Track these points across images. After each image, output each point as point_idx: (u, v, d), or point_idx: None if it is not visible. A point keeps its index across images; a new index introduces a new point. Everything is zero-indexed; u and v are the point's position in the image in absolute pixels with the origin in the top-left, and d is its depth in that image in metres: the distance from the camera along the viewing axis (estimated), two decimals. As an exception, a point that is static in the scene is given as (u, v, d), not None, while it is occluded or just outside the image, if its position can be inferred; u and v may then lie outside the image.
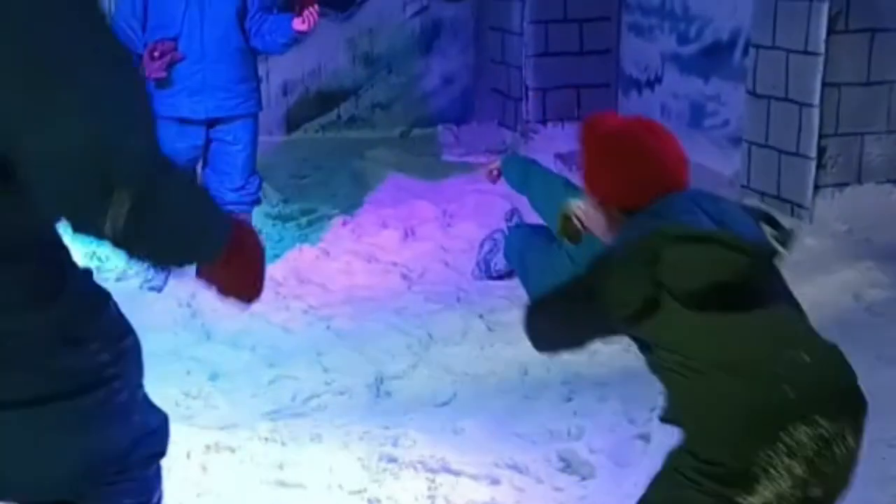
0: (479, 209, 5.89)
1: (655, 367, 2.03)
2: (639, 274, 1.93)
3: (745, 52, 5.81)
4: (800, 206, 4.63)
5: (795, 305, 2.07)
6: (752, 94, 4.96)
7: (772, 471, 1.90)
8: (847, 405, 2.00)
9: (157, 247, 1.51)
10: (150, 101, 1.51)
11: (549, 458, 3.15)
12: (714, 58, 6.06)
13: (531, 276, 4.12)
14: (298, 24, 4.55)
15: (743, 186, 5.07)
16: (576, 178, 6.04)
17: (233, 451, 3.25)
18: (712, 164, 6.03)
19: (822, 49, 4.45)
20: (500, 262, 4.89)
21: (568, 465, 3.14)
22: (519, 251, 4.63)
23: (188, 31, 4.47)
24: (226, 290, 1.74)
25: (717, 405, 1.93)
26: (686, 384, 1.95)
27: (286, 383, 3.84)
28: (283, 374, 3.90)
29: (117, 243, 1.43)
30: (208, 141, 4.70)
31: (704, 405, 1.95)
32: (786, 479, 1.90)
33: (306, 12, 4.52)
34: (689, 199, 2.10)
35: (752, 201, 4.95)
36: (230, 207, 4.73)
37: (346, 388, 3.77)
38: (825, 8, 4.40)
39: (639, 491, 2.92)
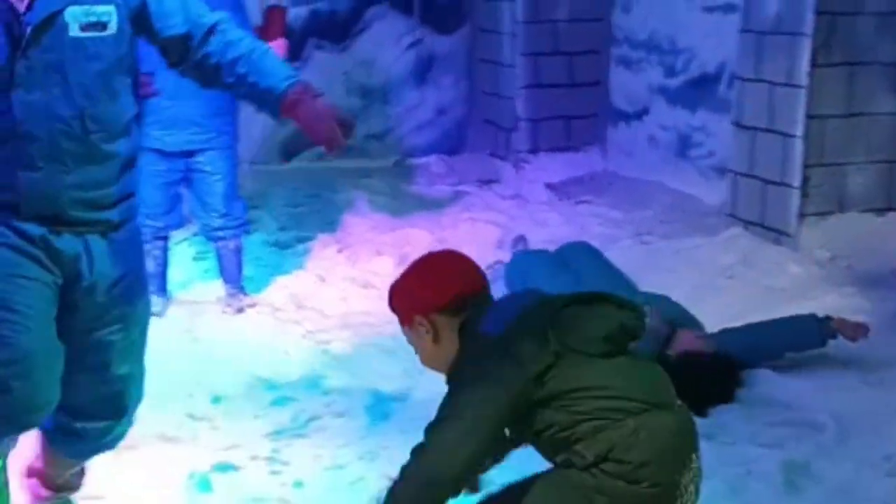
0: (473, 236, 6.01)
1: (563, 436, 2.22)
2: (531, 346, 2.21)
3: (731, 84, 5.98)
4: (785, 233, 4.76)
5: None
6: (738, 125, 5.11)
7: (684, 490, 2.19)
8: None
9: None
10: None
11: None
12: (700, 90, 6.22)
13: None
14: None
15: (728, 215, 5.20)
16: (564, 210, 6.03)
17: (237, 470, 3.35)
18: (699, 193, 6.19)
19: (804, 82, 4.60)
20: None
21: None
22: (522, 279, 4.78)
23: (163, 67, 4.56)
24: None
25: (652, 437, 2.14)
26: (617, 426, 2.15)
27: (287, 405, 3.94)
28: (284, 396, 4.01)
29: None
30: (189, 170, 4.79)
31: (639, 438, 2.14)
32: (689, 498, 2.19)
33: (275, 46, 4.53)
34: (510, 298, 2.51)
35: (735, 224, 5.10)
36: (219, 234, 4.86)
37: (346, 410, 3.87)
38: (808, 42, 4.55)
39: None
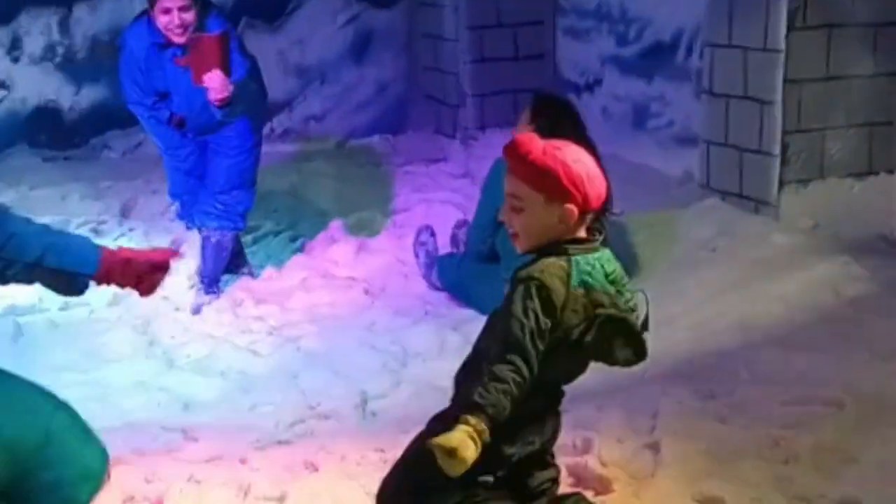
0: (429, 219, 5.76)
1: None
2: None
3: (689, 52, 5.83)
4: (765, 202, 4.62)
5: None
6: (709, 93, 4.95)
7: None
8: None
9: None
10: None
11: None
12: (656, 59, 6.05)
13: (481, 302, 4.21)
14: (211, 95, 4.37)
15: (702, 186, 5.05)
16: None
17: (225, 485, 3.07)
18: (658, 164, 6.03)
19: (782, 46, 4.45)
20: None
21: (579, 479, 3.04)
22: (456, 280, 4.63)
23: (175, 87, 4.58)
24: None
25: None
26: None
27: (266, 410, 3.66)
28: (262, 401, 3.73)
29: None
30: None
31: None
32: None
33: (207, 79, 4.32)
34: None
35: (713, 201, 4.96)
36: (213, 224, 4.68)
37: (332, 412, 3.61)
38: (784, 5, 4.40)
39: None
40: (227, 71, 4.34)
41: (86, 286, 2.56)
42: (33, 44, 6.59)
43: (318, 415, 3.60)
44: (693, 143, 5.75)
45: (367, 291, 4.86)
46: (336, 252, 5.33)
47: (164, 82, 4.60)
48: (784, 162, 4.56)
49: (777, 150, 4.54)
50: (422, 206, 5.99)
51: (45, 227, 2.53)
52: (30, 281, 2.51)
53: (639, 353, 2.37)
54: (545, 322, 2.23)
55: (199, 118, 4.60)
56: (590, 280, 2.27)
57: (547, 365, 2.27)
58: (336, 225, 5.65)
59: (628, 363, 2.39)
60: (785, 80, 4.49)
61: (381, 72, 7.43)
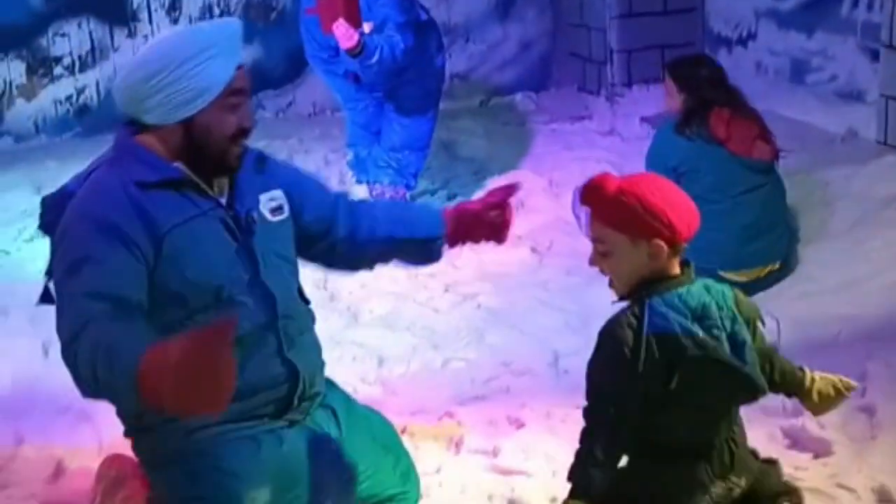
0: (584, 178, 5.72)
1: None
2: None
3: (855, 4, 5.64)
4: (954, 159, 4.48)
5: None
6: (889, 46, 4.79)
7: None
8: None
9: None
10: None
11: (774, 436, 3.02)
12: (817, 11, 5.88)
13: None
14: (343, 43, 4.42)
15: (879, 143, 4.90)
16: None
17: (435, 438, 3.12)
18: (818, 121, 5.86)
19: (974, -4, 4.29)
20: None
21: (795, 441, 3.01)
22: None
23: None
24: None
25: None
26: None
27: (459, 366, 3.71)
28: (453, 357, 3.77)
29: None
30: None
31: None
32: None
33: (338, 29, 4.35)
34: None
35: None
36: (387, 180, 4.77)
37: (526, 369, 3.64)
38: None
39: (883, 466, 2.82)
40: (356, 21, 4.35)
41: (440, 251, 2.55)
42: (192, 5, 6.71)
43: (513, 371, 3.63)
44: (858, 99, 5.59)
45: (533, 250, 4.86)
46: (495, 210, 5.34)
47: None
48: (974, 117, 4.41)
49: (966, 104, 4.39)
50: (576, 165, 5.95)
51: (385, 203, 2.57)
52: (387, 259, 2.55)
53: (748, 387, 2.14)
54: (624, 373, 2.09)
55: (367, 73, 4.62)
56: (666, 325, 2.09)
57: (653, 418, 2.12)
58: (493, 184, 5.65)
59: (738, 402, 2.20)
60: (975, 32, 4.32)
61: (525, 29, 7.39)
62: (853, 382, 2.31)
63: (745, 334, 2.15)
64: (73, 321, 1.97)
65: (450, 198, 5.64)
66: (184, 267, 2.15)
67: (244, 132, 2.24)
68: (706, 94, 4.21)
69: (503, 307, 4.20)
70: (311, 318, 2.43)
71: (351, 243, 2.48)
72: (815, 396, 2.29)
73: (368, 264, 2.60)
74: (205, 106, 2.16)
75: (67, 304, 2.03)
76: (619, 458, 2.17)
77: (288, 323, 2.29)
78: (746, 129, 4.22)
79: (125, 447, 2.45)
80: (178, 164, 2.20)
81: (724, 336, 2.12)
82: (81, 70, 6.63)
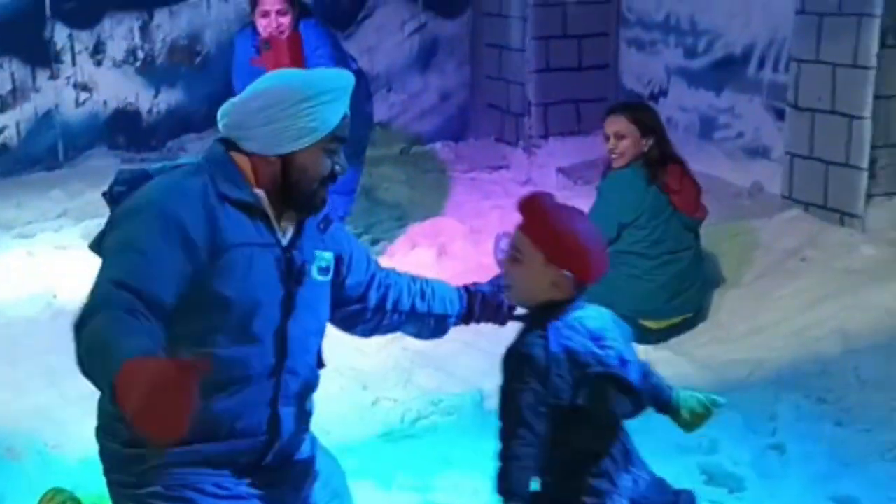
0: (504, 225, 5.87)
1: None
2: None
3: (761, 65, 5.95)
4: (851, 215, 4.75)
5: None
6: (794, 107, 5.09)
7: None
8: None
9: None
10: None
11: (691, 471, 3.17)
12: (726, 71, 6.18)
13: None
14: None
15: (784, 197, 5.18)
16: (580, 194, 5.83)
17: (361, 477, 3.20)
18: (726, 175, 6.15)
19: (873, 63, 4.59)
20: None
21: (711, 477, 3.17)
22: None
23: None
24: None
25: None
26: None
27: (387, 405, 3.79)
28: (382, 397, 3.86)
29: None
30: None
31: None
32: None
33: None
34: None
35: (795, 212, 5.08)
36: None
37: (453, 409, 3.74)
38: (876, 23, 4.54)
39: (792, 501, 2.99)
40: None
41: (448, 328, 2.64)
42: (115, 48, 6.73)
43: (441, 411, 3.73)
44: (763, 155, 5.88)
45: (457, 294, 4.98)
46: (418, 256, 5.46)
47: None
48: (871, 175, 4.70)
49: (865, 163, 4.68)
50: (495, 213, 6.12)
51: (409, 275, 2.59)
52: (395, 328, 2.59)
53: (637, 404, 2.27)
54: (537, 387, 2.18)
55: None
56: (570, 344, 2.21)
57: (565, 431, 2.23)
58: (415, 229, 5.79)
59: (627, 416, 2.30)
60: (874, 96, 4.62)
61: (445, 80, 7.58)
62: (720, 399, 2.42)
63: (632, 354, 2.29)
64: (95, 299, 2.01)
65: (373, 242, 5.75)
66: (228, 284, 2.17)
67: (334, 177, 2.31)
68: (666, 144, 4.29)
69: (429, 349, 4.28)
70: (315, 384, 2.44)
71: (378, 312, 2.53)
72: (685, 414, 2.40)
73: (384, 331, 2.63)
74: (308, 146, 2.24)
75: (100, 280, 2.07)
76: (538, 467, 2.25)
77: (291, 378, 2.30)
78: (693, 187, 4.34)
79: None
80: (259, 191, 2.25)
81: (614, 354, 2.25)
82: (2, 110, 6.58)
